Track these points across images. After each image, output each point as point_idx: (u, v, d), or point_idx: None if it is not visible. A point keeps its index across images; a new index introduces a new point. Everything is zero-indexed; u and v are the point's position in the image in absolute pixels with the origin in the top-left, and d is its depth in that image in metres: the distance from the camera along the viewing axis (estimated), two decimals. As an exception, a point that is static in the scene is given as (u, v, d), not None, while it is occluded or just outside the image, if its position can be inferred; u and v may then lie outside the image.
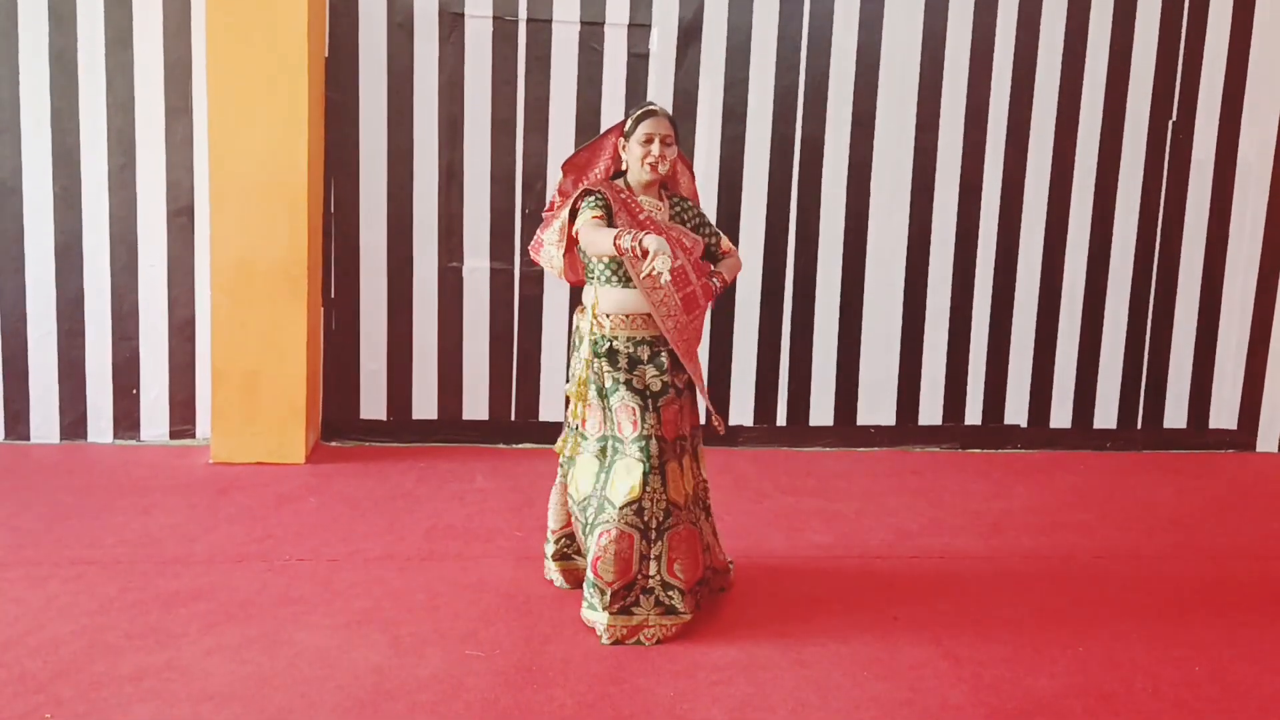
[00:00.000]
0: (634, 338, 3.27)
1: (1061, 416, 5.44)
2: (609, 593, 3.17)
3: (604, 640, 3.16)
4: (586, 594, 3.24)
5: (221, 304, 4.68)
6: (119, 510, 4.14)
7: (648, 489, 3.18)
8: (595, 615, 3.21)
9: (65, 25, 4.73)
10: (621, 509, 3.17)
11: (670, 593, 3.22)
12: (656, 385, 3.26)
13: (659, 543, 3.21)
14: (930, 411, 5.38)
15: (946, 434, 5.40)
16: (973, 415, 5.40)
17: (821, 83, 5.10)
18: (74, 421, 4.98)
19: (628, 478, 3.18)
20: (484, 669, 3.00)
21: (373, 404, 5.13)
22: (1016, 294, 5.33)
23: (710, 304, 3.35)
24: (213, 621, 3.22)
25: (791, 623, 3.34)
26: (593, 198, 3.19)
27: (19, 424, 4.96)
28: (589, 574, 3.23)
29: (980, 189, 5.24)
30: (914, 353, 5.33)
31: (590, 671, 3.00)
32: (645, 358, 3.27)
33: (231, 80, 4.55)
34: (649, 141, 3.20)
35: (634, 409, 3.22)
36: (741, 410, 5.28)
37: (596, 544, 3.20)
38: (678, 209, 3.36)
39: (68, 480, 4.48)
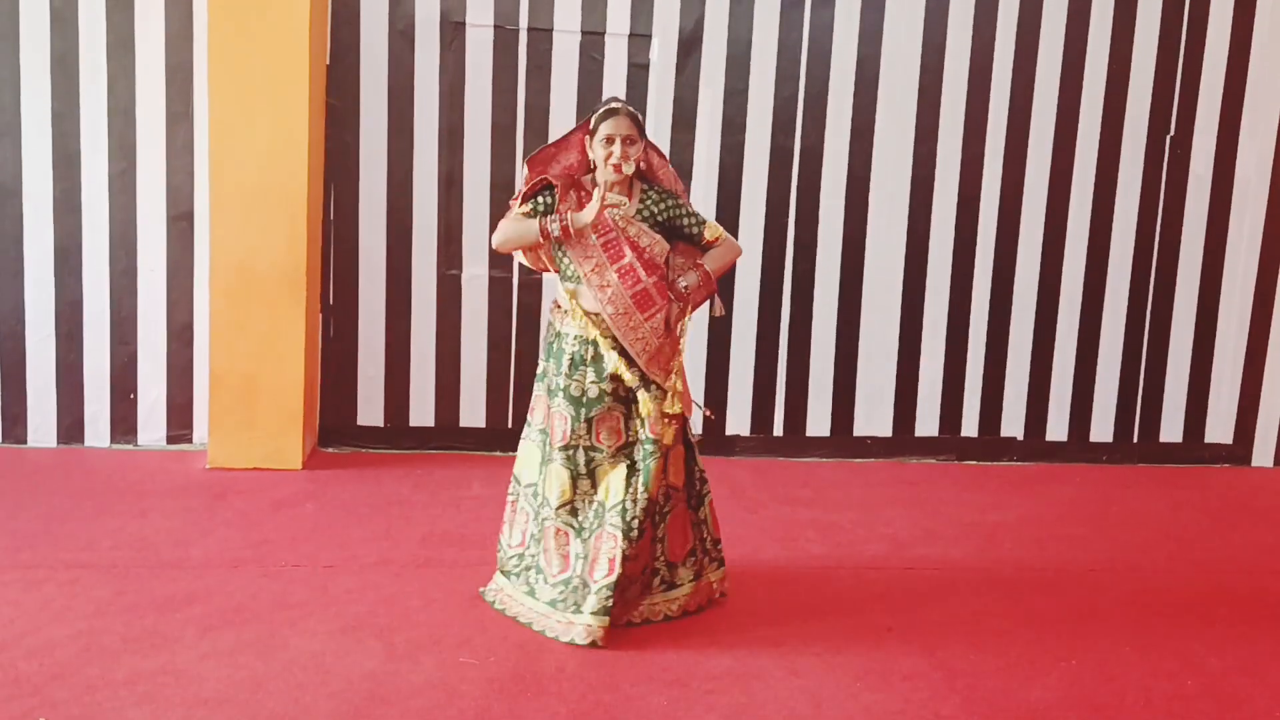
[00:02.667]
0: (581, 336, 3.29)
1: (1058, 429, 5.45)
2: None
3: (581, 641, 3.20)
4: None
5: (220, 309, 4.68)
6: (115, 514, 4.14)
7: (578, 491, 3.31)
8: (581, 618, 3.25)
9: (67, 29, 4.74)
10: (558, 510, 3.33)
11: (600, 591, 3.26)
12: (594, 392, 3.28)
13: (589, 542, 3.31)
14: (927, 423, 5.39)
15: (943, 445, 5.41)
16: (969, 427, 5.41)
17: (821, 93, 5.12)
18: (71, 425, 4.98)
19: (555, 482, 3.32)
20: (477, 676, 3.00)
21: (370, 410, 5.14)
22: (1014, 306, 5.34)
23: (690, 305, 3.34)
24: (208, 626, 3.22)
25: (785, 632, 3.35)
26: (539, 198, 3.29)
27: (16, 427, 4.97)
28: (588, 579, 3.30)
29: (978, 201, 5.26)
30: (911, 364, 5.34)
31: (584, 680, 3.00)
32: (588, 358, 3.28)
33: (233, 85, 4.56)
34: (610, 142, 3.23)
35: (565, 417, 3.30)
36: (738, 420, 5.28)
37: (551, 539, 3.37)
38: (648, 204, 3.33)
39: (64, 484, 4.49)
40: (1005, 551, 4.18)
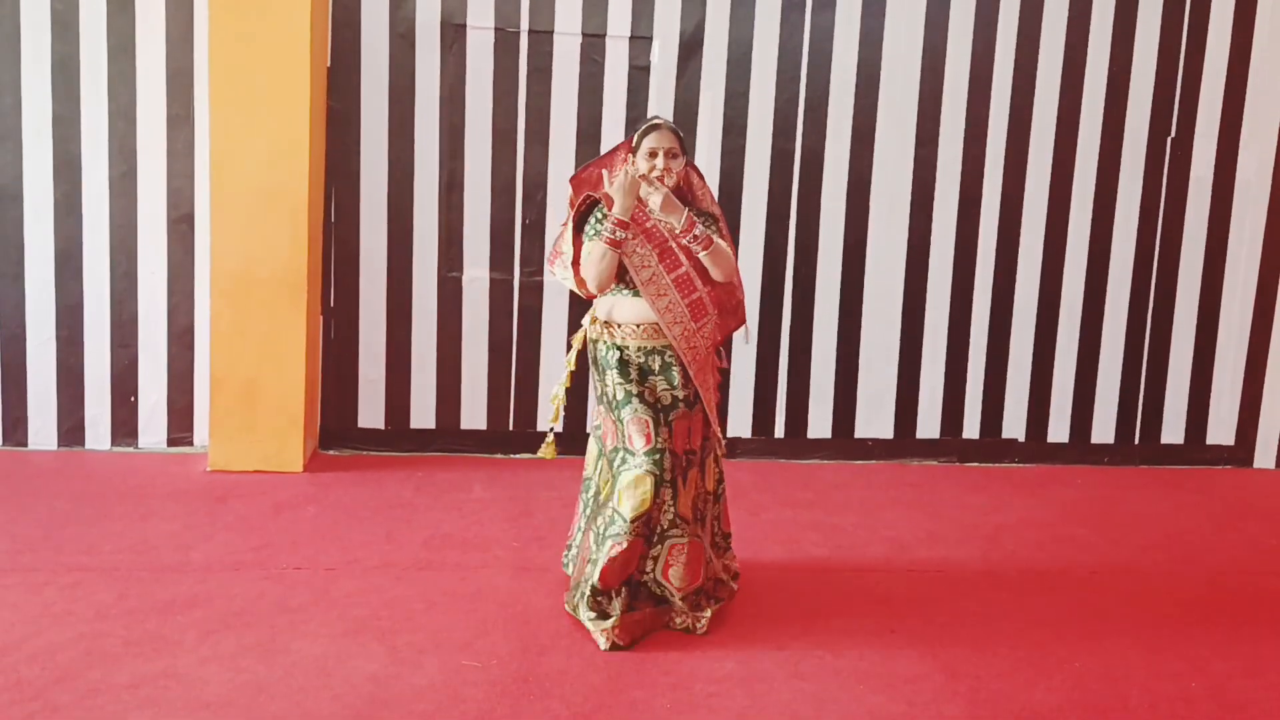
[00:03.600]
0: (644, 347, 3.30)
1: (1059, 431, 5.45)
2: (615, 599, 3.23)
3: (603, 646, 3.18)
4: (586, 601, 3.26)
5: (221, 312, 4.68)
6: (116, 517, 4.13)
7: (657, 500, 3.22)
8: (601, 623, 3.22)
9: (68, 32, 4.75)
10: (633, 522, 3.18)
11: (663, 590, 3.29)
12: (667, 399, 3.28)
13: (659, 546, 3.27)
14: (929, 425, 5.39)
15: (945, 447, 5.41)
16: (971, 429, 5.41)
17: (822, 97, 5.12)
18: (72, 428, 4.98)
19: (637, 489, 3.18)
20: (480, 679, 2.99)
21: (371, 413, 5.14)
22: (1015, 308, 5.34)
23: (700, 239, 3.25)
24: (209, 629, 3.22)
25: (788, 635, 3.34)
26: (594, 217, 3.28)
27: (17, 430, 4.96)
28: (594, 583, 3.24)
29: (979, 203, 5.26)
30: (913, 366, 5.34)
31: (587, 682, 3.00)
32: (656, 368, 3.29)
33: (233, 89, 4.56)
34: (653, 155, 3.25)
35: (647, 421, 3.24)
36: (740, 422, 5.28)
37: (606, 556, 3.21)
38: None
39: (65, 487, 4.48)
40: (1007, 553, 4.18)
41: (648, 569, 3.29)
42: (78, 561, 3.68)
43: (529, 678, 3.01)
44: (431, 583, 3.64)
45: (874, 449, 5.37)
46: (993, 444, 5.43)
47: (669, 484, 3.24)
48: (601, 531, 3.28)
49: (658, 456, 3.20)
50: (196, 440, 5.02)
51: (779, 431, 5.32)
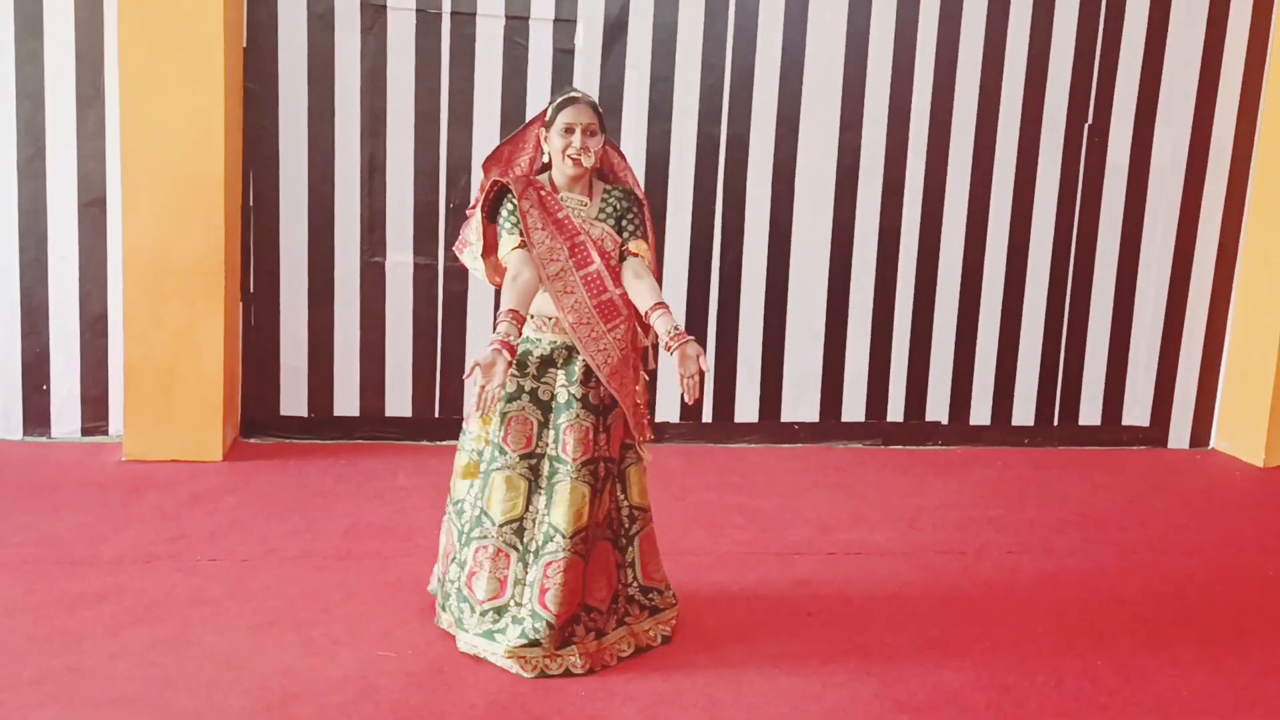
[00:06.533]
0: (555, 341, 3.07)
1: (981, 414, 5.54)
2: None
3: (527, 675, 2.95)
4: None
5: (135, 298, 4.57)
6: (26, 510, 4.03)
7: (530, 507, 3.05)
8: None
9: (-29, 10, 4.59)
10: (501, 526, 3.04)
11: (537, 623, 2.99)
12: (562, 396, 3.06)
13: (534, 567, 3.04)
14: (853, 408, 5.45)
15: (869, 430, 5.47)
16: (895, 412, 5.48)
17: (747, 82, 5.13)
18: (-19, 418, 4.84)
19: (505, 494, 3.03)
20: (396, 669, 2.97)
21: (293, 400, 5.06)
22: (938, 292, 5.41)
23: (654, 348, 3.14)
24: (119, 624, 3.15)
25: (707, 618, 3.36)
26: (505, 209, 3.05)
27: (-77, 421, 4.82)
28: (538, 608, 3.00)
29: (903, 189, 5.31)
30: (837, 350, 5.39)
31: (501, 672, 2.98)
32: (560, 362, 3.08)
33: (145, 68, 4.44)
34: (569, 132, 2.99)
35: (532, 421, 3.06)
36: (668, 407, 5.29)
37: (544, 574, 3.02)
38: (610, 201, 3.12)
39: (-27, 479, 4.36)
40: (926, 534, 4.24)
41: (524, 598, 3.03)
42: (-17, 556, 3.59)
43: (445, 668, 3.00)
44: (351, 572, 3.60)
45: (800, 432, 5.42)
46: (917, 426, 5.50)
47: (544, 490, 3.05)
48: (462, 530, 3.15)
49: (534, 462, 3.05)
50: (111, 430, 4.90)
51: (706, 415, 5.34)
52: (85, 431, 4.90)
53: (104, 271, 4.81)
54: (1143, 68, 5.37)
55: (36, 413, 4.87)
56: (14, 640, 3.02)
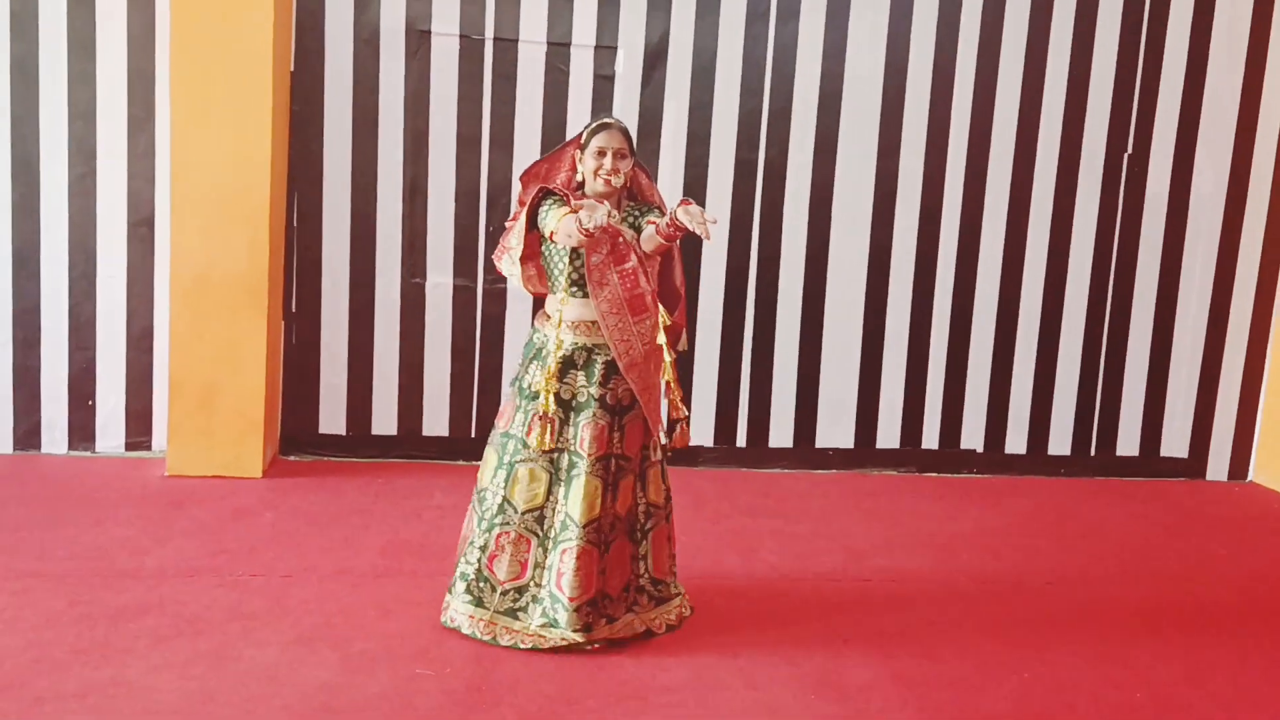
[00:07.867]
0: (579, 343, 3.29)
1: (1017, 442, 5.51)
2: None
3: (543, 648, 3.23)
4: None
5: (180, 315, 4.65)
6: (70, 522, 4.09)
7: (550, 497, 3.29)
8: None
9: (26, 31, 4.70)
10: (523, 514, 3.30)
11: (556, 605, 3.26)
12: (582, 396, 3.28)
13: (553, 553, 3.29)
14: (888, 435, 5.43)
15: (904, 457, 5.45)
16: (930, 439, 5.46)
17: (785, 108, 5.16)
18: (28, 431, 4.92)
19: (528, 484, 3.28)
20: (433, 688, 2.99)
21: (332, 419, 5.11)
22: (974, 320, 5.40)
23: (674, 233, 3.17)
24: (161, 637, 3.19)
25: (743, 644, 3.36)
26: (553, 198, 3.22)
27: (-29, 433, 4.91)
28: (555, 590, 3.27)
29: (940, 216, 5.31)
30: (873, 376, 5.38)
31: (540, 692, 3.00)
32: (580, 363, 3.28)
33: (195, 91, 4.53)
34: (602, 155, 3.24)
35: (554, 420, 3.27)
36: (702, 431, 5.30)
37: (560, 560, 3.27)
38: (630, 215, 3.32)
39: (20, 491, 4.43)
40: (962, 563, 4.22)
41: (544, 580, 3.30)
42: (29, 567, 3.64)
43: (482, 687, 3.01)
44: (388, 591, 3.63)
45: (834, 459, 5.41)
46: (951, 455, 5.48)
47: (564, 482, 3.28)
48: (483, 516, 3.35)
49: (555, 456, 3.28)
50: (155, 444, 4.97)
51: (741, 440, 5.35)
52: (129, 446, 4.97)
53: (150, 289, 4.89)
54: (1183, 97, 5.36)
55: (82, 427, 4.95)
56: (57, 652, 3.07)
